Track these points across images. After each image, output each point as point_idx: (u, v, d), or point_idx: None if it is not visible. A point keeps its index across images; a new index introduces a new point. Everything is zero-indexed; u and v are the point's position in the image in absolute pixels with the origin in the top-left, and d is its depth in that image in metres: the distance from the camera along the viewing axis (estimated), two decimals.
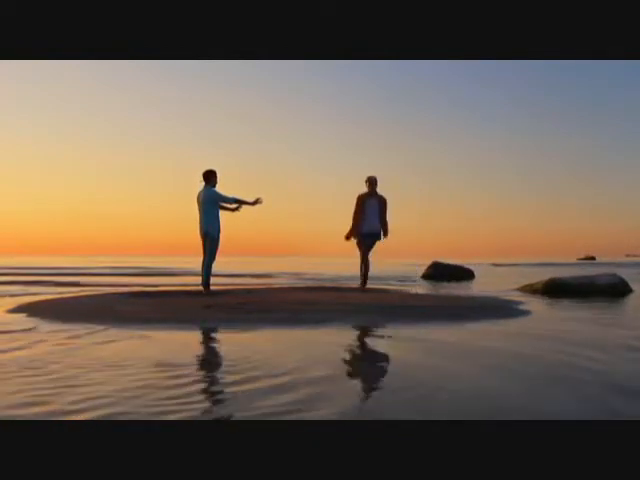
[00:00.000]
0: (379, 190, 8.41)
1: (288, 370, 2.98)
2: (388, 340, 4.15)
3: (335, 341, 4.02)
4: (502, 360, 3.32)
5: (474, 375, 2.91)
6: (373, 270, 9.32)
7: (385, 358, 3.44)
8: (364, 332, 4.60)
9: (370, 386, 2.70)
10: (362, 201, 8.20)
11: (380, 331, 4.66)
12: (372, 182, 8.26)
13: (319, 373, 2.91)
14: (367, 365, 3.24)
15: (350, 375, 2.95)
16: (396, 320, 5.29)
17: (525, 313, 6.04)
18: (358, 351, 3.71)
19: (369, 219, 8.18)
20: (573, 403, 2.37)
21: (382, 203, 8.30)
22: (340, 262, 35.67)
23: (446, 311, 5.97)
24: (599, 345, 3.87)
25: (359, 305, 6.29)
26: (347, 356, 3.48)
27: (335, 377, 2.84)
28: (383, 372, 3.03)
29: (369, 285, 9.16)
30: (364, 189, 8.37)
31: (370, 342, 4.10)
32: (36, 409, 2.22)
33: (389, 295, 7.85)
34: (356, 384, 2.74)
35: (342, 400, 2.39)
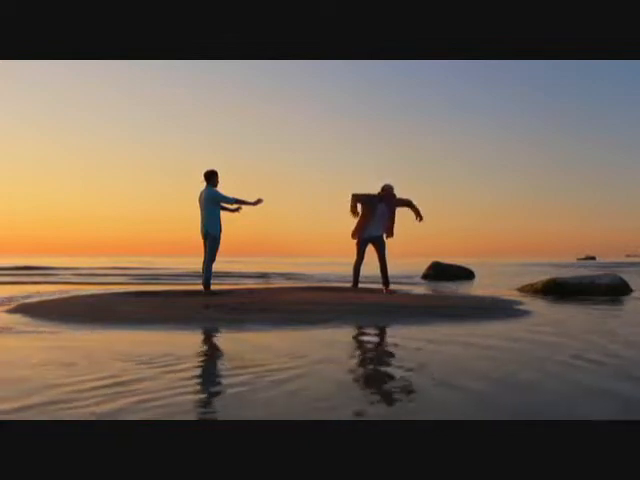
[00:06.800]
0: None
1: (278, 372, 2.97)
2: (384, 341, 4.15)
3: (334, 341, 4.02)
4: (498, 362, 3.32)
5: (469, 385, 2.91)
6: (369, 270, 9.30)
7: (379, 359, 3.44)
8: (363, 332, 4.60)
9: (365, 393, 2.70)
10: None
11: (377, 332, 4.67)
12: (385, 189, 8.26)
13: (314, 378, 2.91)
14: (365, 368, 3.24)
15: (349, 378, 2.95)
16: (396, 321, 5.29)
17: (525, 313, 6.04)
18: (356, 352, 3.71)
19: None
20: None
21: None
22: (340, 262, 35.64)
23: (447, 311, 5.96)
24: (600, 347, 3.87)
25: (360, 305, 6.29)
26: (345, 357, 3.48)
27: (331, 380, 2.84)
28: (374, 375, 3.03)
29: (365, 285, 9.15)
30: (358, 189, 8.31)
31: (367, 343, 4.11)
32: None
33: (389, 295, 7.85)
34: (354, 389, 2.74)
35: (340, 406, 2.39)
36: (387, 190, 8.19)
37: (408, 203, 8.20)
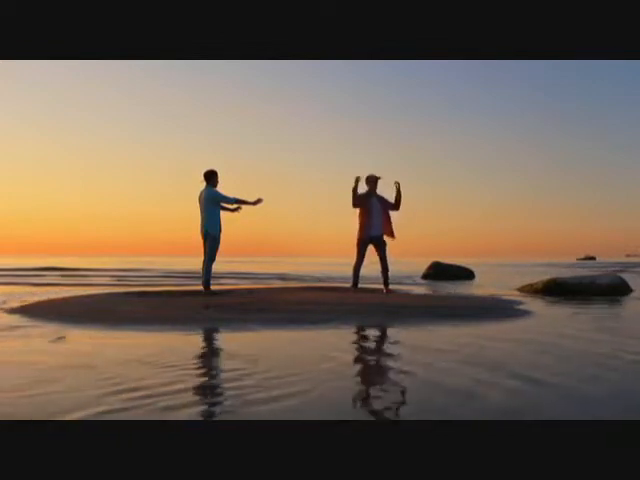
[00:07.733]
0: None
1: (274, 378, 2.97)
2: (383, 342, 4.15)
3: (334, 342, 4.02)
4: (494, 362, 3.32)
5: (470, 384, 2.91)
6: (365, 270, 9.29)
7: (378, 360, 3.44)
8: (363, 333, 4.60)
9: (364, 395, 2.70)
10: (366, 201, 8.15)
11: (377, 332, 4.67)
12: (370, 181, 8.24)
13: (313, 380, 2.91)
14: (364, 368, 3.24)
15: (348, 379, 2.95)
16: (396, 321, 5.29)
17: (526, 314, 6.04)
18: (356, 352, 3.71)
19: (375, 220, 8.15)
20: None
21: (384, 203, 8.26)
22: (340, 262, 35.67)
23: (447, 312, 5.96)
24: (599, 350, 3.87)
25: (360, 305, 6.29)
26: (345, 357, 3.48)
27: (332, 381, 2.84)
28: (375, 375, 3.03)
29: (364, 285, 9.14)
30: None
31: (368, 343, 4.11)
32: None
33: (389, 296, 7.85)
34: (353, 389, 2.74)
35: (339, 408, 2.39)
36: (371, 180, 8.23)
37: (397, 193, 8.21)
